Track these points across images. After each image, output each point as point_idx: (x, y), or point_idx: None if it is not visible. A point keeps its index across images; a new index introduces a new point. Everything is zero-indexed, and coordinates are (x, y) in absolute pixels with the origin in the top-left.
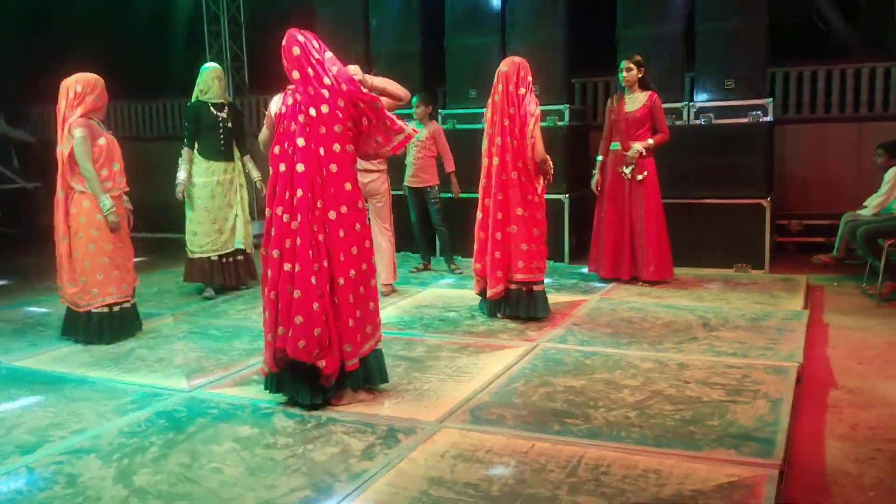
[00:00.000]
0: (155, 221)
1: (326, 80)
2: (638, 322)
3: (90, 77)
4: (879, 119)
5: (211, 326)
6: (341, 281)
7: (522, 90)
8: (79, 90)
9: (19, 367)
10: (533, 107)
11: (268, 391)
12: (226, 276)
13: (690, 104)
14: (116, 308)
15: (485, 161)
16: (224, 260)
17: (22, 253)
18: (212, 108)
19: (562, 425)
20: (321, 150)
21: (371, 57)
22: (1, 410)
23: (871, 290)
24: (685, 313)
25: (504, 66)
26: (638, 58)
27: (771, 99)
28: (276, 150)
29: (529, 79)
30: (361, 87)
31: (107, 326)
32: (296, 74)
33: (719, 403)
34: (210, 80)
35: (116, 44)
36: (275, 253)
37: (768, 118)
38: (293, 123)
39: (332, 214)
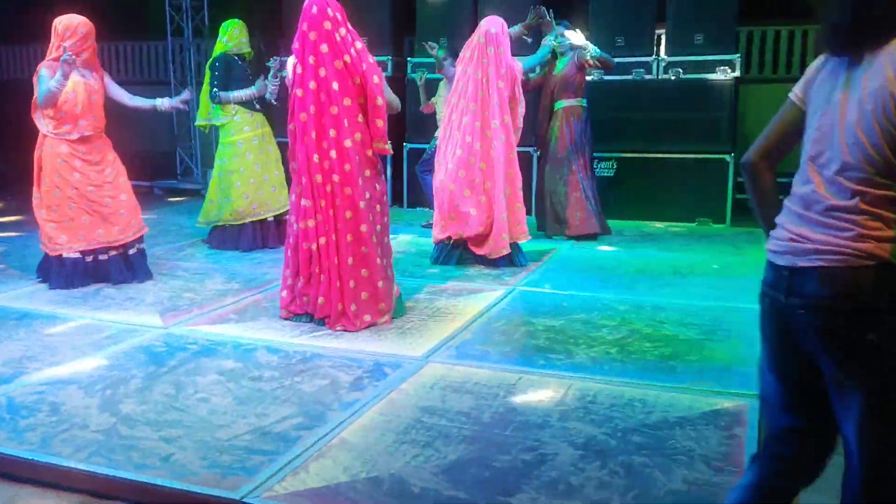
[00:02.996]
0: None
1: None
2: (611, 269)
3: (73, 20)
4: None
5: (178, 268)
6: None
7: (503, 50)
8: (58, 31)
9: None
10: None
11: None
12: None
13: (660, 59)
14: (90, 257)
15: (465, 119)
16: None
17: None
18: (239, 61)
19: (546, 360)
20: None
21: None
22: None
23: None
24: (655, 261)
25: (493, 26)
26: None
27: (739, 55)
28: None
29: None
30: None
31: (79, 274)
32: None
33: (696, 342)
34: (236, 33)
35: None
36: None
37: (735, 74)
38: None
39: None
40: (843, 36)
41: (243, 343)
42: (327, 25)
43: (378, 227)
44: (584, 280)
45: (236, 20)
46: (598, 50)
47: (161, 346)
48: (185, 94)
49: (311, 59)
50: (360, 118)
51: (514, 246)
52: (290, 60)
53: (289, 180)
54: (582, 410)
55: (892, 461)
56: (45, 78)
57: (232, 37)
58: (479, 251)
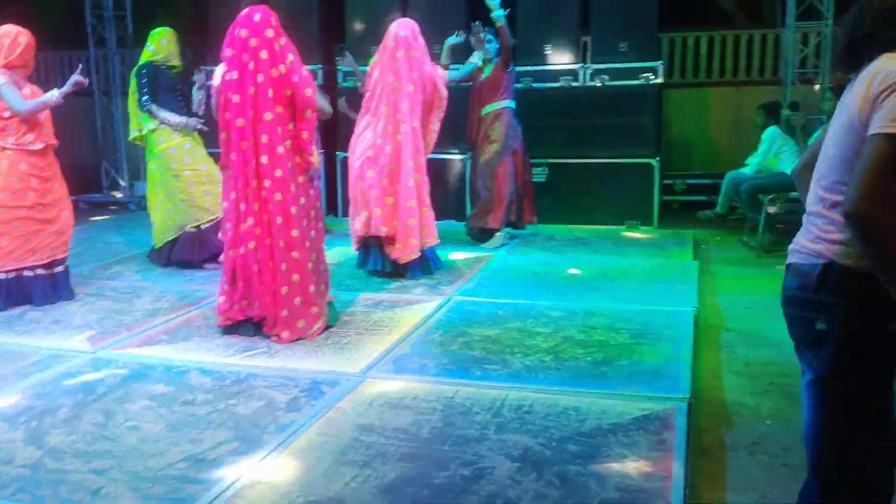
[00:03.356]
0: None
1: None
2: (544, 275)
3: (12, 30)
4: (755, 83)
5: (107, 287)
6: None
7: (420, 52)
8: (4, 44)
9: None
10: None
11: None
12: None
13: (586, 66)
14: (13, 275)
15: (379, 122)
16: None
17: None
18: (167, 72)
19: (483, 371)
20: None
21: (269, 2)
22: None
23: (752, 241)
24: (586, 266)
25: (402, 29)
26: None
27: (662, 62)
28: None
29: (421, 38)
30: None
31: (2, 296)
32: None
33: (627, 346)
34: (164, 43)
35: None
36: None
37: (659, 80)
38: None
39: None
40: (843, 53)
41: (175, 365)
42: (269, 33)
43: (312, 232)
44: (519, 287)
45: (166, 29)
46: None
47: (89, 371)
48: (78, 77)
49: (251, 65)
50: (291, 126)
51: (428, 251)
52: (220, 69)
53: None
54: (518, 421)
55: (841, 455)
56: (11, 88)
57: (160, 47)
58: (391, 254)
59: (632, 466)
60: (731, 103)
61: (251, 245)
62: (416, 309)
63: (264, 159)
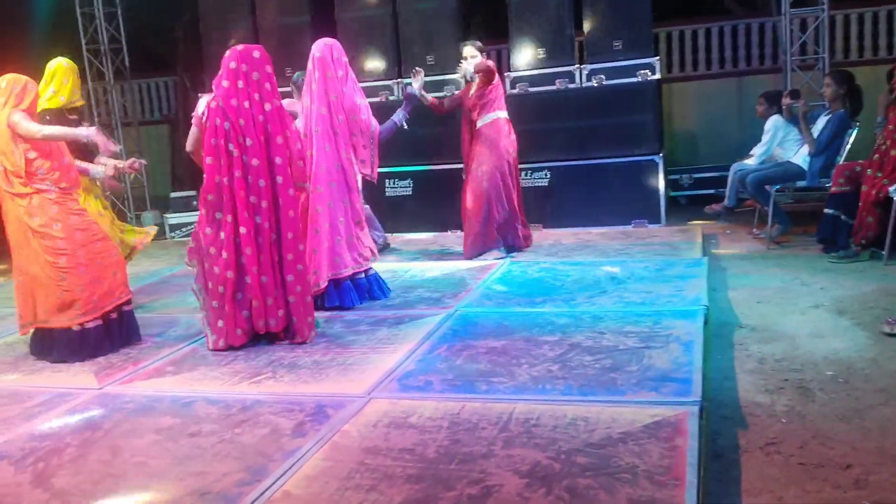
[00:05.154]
0: None
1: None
2: (549, 281)
3: (18, 78)
4: (756, 72)
5: None
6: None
7: (340, 72)
8: (17, 90)
9: None
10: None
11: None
12: None
13: (582, 67)
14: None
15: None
16: None
17: None
18: (68, 116)
19: (489, 384)
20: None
21: (259, 31)
22: None
23: (762, 232)
24: (592, 269)
25: (318, 50)
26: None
27: (658, 57)
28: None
29: (344, 59)
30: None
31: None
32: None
33: (635, 350)
34: (66, 82)
35: None
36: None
37: (656, 76)
38: None
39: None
40: None
41: (181, 397)
42: (268, 69)
43: (302, 246)
44: (525, 295)
45: (63, 63)
46: (470, 70)
47: (95, 408)
48: (110, 145)
49: (256, 96)
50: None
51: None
52: (204, 99)
53: None
54: (526, 435)
55: None
56: (27, 118)
57: (62, 87)
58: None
59: (643, 476)
60: (733, 94)
61: (254, 267)
62: (420, 324)
63: (279, 179)
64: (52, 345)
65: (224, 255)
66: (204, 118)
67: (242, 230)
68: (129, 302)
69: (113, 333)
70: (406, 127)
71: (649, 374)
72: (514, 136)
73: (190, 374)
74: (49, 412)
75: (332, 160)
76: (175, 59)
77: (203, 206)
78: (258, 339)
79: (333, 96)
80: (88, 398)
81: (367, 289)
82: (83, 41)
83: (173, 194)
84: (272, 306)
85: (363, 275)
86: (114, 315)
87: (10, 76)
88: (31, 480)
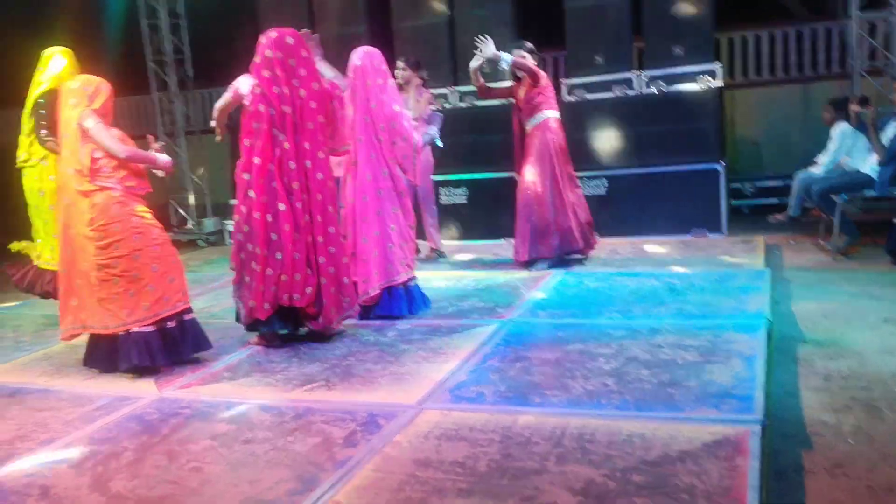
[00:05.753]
0: None
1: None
2: (605, 292)
3: (91, 79)
4: (823, 78)
5: None
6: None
7: (380, 81)
8: (89, 91)
9: None
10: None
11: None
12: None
13: (641, 73)
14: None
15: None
16: None
17: None
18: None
19: (542, 397)
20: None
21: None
22: None
23: (828, 243)
24: (650, 280)
25: (357, 59)
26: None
27: (720, 64)
28: None
29: (384, 68)
30: None
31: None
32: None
33: (695, 365)
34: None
35: (45, 45)
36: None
37: (718, 83)
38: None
39: None
40: None
41: (236, 403)
42: (303, 53)
43: (333, 229)
44: (579, 306)
45: (63, 49)
46: (508, 58)
47: (153, 413)
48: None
49: (294, 82)
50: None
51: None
52: (246, 81)
53: None
54: (580, 451)
55: None
56: (105, 129)
57: (61, 74)
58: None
59: (702, 497)
60: (798, 101)
61: (288, 244)
62: (473, 333)
63: (308, 163)
64: (105, 352)
65: (257, 231)
66: (248, 101)
67: (281, 206)
68: (188, 311)
69: (172, 343)
70: (440, 145)
71: (709, 389)
72: (562, 135)
73: (245, 379)
74: (108, 416)
75: (378, 168)
76: (236, 68)
77: (239, 184)
78: (286, 316)
79: (374, 104)
80: (147, 402)
81: (416, 298)
82: (148, 52)
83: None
84: (299, 282)
85: (408, 283)
86: (172, 323)
87: (82, 77)
88: (89, 484)
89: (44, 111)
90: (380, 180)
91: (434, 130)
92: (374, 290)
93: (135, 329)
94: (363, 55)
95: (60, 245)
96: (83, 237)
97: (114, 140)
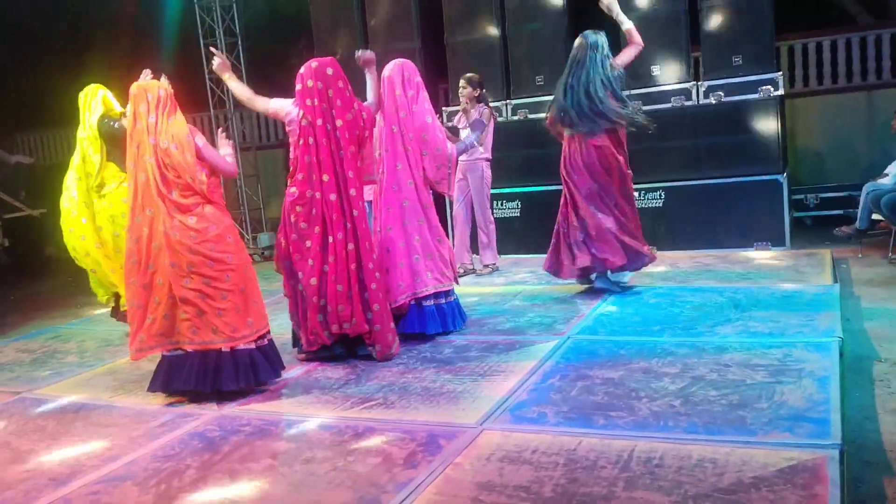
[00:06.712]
0: None
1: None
2: (666, 307)
3: (149, 84)
4: (888, 86)
5: None
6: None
7: (411, 92)
8: (149, 98)
9: (43, 397)
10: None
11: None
12: None
13: (699, 83)
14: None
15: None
16: None
17: (32, 281)
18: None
19: (606, 419)
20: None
21: None
22: (30, 442)
23: None
24: (713, 295)
25: (388, 70)
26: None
27: (780, 73)
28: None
29: (417, 79)
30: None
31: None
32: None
33: (765, 385)
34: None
35: (105, 63)
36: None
37: (779, 92)
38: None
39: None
40: None
41: (296, 420)
42: (340, 84)
43: (377, 254)
44: (640, 323)
45: (88, 88)
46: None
47: (216, 430)
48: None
49: (333, 112)
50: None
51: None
52: (291, 104)
53: None
54: (649, 476)
55: None
56: (211, 147)
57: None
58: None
59: None
60: (863, 109)
61: (332, 276)
62: (532, 351)
63: (352, 192)
64: (197, 370)
65: (310, 262)
66: (291, 128)
67: (330, 239)
68: (265, 336)
69: (248, 366)
70: (477, 145)
71: (782, 412)
72: (573, 147)
73: (304, 397)
74: (171, 433)
75: (404, 178)
76: (291, 86)
77: (292, 214)
78: (343, 345)
79: (403, 114)
80: (208, 419)
81: (450, 316)
82: (205, 70)
83: None
84: (344, 312)
85: (444, 299)
86: (264, 342)
87: (136, 85)
88: (153, 502)
89: (110, 130)
90: (405, 190)
91: (475, 136)
92: (402, 299)
93: (241, 346)
94: (393, 66)
95: (135, 260)
96: (182, 251)
97: (222, 158)
